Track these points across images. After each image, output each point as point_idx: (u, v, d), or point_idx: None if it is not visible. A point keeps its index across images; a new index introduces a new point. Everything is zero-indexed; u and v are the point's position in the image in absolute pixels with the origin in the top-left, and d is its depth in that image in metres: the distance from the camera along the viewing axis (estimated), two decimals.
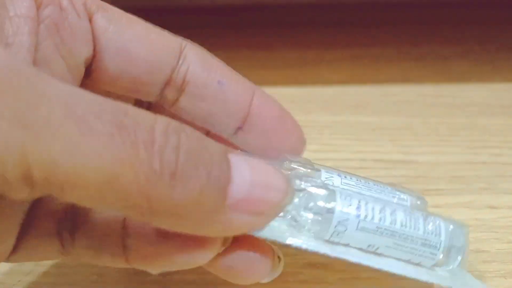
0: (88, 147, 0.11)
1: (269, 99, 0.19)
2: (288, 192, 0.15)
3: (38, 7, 0.15)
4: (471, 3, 0.39)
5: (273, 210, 0.15)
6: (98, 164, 0.12)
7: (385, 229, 0.16)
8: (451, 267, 0.18)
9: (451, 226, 0.18)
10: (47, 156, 0.11)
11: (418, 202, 0.19)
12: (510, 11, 0.38)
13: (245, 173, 0.14)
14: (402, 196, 0.19)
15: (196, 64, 0.18)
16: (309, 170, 0.18)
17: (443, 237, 0.17)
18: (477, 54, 0.35)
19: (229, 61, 0.19)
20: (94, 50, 0.17)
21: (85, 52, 0.16)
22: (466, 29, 0.37)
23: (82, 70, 0.17)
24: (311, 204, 0.16)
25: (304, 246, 0.16)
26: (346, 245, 0.16)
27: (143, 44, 0.17)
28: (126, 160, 0.12)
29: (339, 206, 0.16)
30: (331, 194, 0.16)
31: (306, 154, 0.28)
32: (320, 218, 0.16)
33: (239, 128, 0.19)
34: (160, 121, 0.13)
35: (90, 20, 0.17)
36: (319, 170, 0.18)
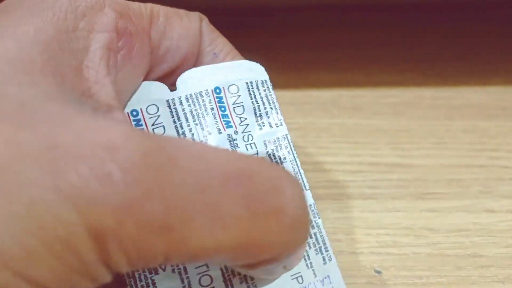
0: (223, 234, 0.12)
1: None
2: None
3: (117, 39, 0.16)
4: (469, 5, 0.38)
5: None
6: (233, 243, 0.12)
7: None
8: None
9: None
10: (185, 248, 0.11)
11: None
12: (509, 12, 0.38)
13: None
14: None
15: (206, 41, 0.20)
16: None
17: None
18: (475, 56, 0.35)
19: None
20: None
21: (144, 73, 0.18)
22: (465, 31, 0.37)
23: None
24: None
25: None
26: None
27: (184, 38, 0.19)
28: (262, 232, 0.12)
29: None
30: None
31: (303, 158, 0.28)
32: None
33: None
34: (284, 175, 0.13)
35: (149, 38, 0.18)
36: None
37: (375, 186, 0.26)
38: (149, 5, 0.18)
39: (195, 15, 0.20)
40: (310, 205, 0.18)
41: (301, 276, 0.17)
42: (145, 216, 0.11)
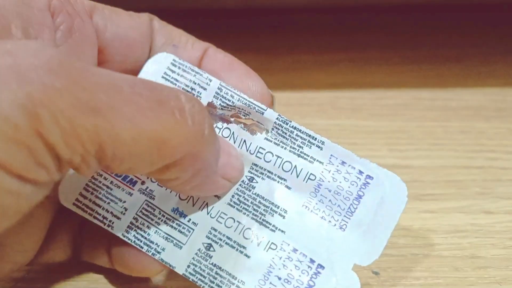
0: (141, 121, 0.14)
1: (221, 52, 0.21)
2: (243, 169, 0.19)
3: (52, 16, 0.17)
4: (466, 7, 0.39)
5: (237, 178, 0.19)
6: (151, 133, 0.14)
7: None
8: None
9: None
10: (114, 134, 0.14)
11: None
12: (505, 15, 0.38)
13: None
14: None
15: (160, 32, 0.21)
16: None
17: None
18: (473, 58, 0.35)
19: None
20: (99, 48, 0.19)
21: (94, 52, 0.19)
22: (462, 33, 0.37)
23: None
24: None
25: None
26: None
27: (133, 28, 0.20)
28: (170, 126, 0.15)
29: None
30: None
31: None
32: None
33: None
34: (180, 91, 0.16)
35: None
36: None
37: None
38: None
39: (144, 14, 0.21)
40: (277, 118, 0.19)
41: (311, 173, 0.19)
42: (73, 97, 0.13)
